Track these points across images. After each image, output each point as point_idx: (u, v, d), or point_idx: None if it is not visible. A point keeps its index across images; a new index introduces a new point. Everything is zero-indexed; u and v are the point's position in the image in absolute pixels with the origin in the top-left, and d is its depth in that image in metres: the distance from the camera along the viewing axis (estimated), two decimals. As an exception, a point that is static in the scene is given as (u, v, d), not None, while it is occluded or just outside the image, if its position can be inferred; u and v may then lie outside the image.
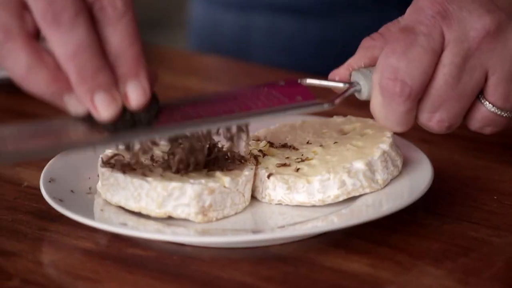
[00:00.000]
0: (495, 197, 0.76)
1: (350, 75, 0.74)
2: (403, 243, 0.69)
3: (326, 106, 0.72)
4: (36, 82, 0.65)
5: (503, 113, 0.73)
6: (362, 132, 0.77)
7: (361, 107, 0.94)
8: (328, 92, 0.75)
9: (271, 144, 0.76)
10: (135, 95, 0.66)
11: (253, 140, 0.77)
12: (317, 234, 0.69)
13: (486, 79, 0.72)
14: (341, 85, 0.74)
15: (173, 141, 0.71)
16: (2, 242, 0.69)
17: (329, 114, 0.82)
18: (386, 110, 0.72)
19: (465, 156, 0.84)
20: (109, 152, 0.73)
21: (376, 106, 0.72)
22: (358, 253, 0.68)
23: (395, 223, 0.71)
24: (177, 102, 0.71)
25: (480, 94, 0.73)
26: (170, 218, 0.70)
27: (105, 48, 0.65)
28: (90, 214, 0.69)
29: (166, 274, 0.66)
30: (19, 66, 0.64)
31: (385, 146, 0.74)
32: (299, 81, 0.74)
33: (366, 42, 0.75)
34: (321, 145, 0.75)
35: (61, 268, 0.67)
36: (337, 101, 0.72)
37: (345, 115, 0.80)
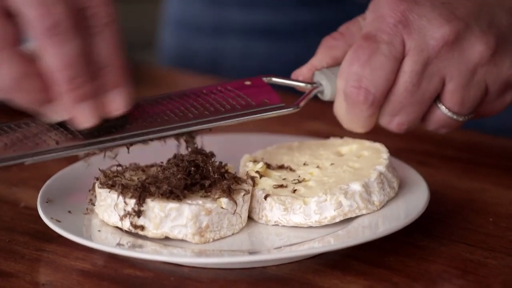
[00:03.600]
0: (491, 219, 0.76)
1: (313, 75, 0.77)
2: (400, 264, 0.69)
3: (291, 109, 0.75)
4: (24, 92, 0.64)
5: (458, 118, 0.76)
6: (359, 153, 0.77)
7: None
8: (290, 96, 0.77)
9: (268, 166, 0.76)
10: (117, 104, 0.67)
11: (250, 161, 0.77)
12: (314, 255, 0.70)
13: (443, 85, 0.75)
14: (304, 84, 0.77)
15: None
16: (-1, 263, 0.69)
17: (326, 136, 0.83)
18: (350, 115, 0.75)
19: (461, 178, 0.84)
20: (107, 172, 0.73)
21: (340, 110, 0.76)
22: (355, 274, 0.68)
23: (391, 244, 0.71)
24: (145, 100, 0.72)
25: (437, 98, 0.76)
26: (167, 238, 0.70)
27: (91, 55, 0.65)
28: (88, 235, 0.69)
29: (163, 295, 0.66)
30: (7, 77, 0.64)
31: (381, 167, 0.74)
32: (264, 79, 0.76)
33: (327, 42, 0.77)
34: (318, 167, 0.76)
35: (58, 288, 0.67)
36: (302, 103, 0.75)
37: (341, 137, 0.80)
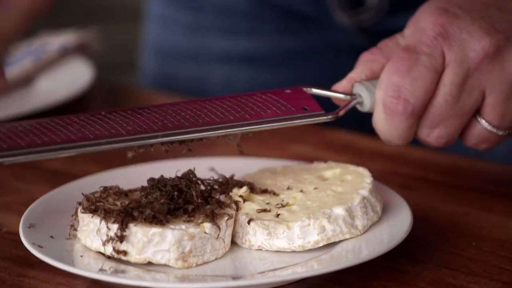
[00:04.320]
0: (474, 244, 0.76)
1: (352, 87, 0.77)
2: (383, 289, 0.69)
3: (330, 117, 0.75)
4: None
5: (498, 132, 0.76)
6: (342, 178, 0.77)
7: (341, 153, 0.95)
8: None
9: (251, 190, 0.76)
10: None
11: (234, 185, 0.77)
12: (297, 280, 0.69)
13: (483, 99, 0.75)
14: (343, 96, 0.76)
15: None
16: (-20, 289, 0.69)
17: (309, 159, 0.83)
18: (389, 126, 0.75)
19: (444, 202, 0.84)
20: (90, 196, 0.73)
21: (378, 122, 0.75)
22: (338, 300, 0.68)
23: (374, 269, 0.71)
24: (182, 107, 0.72)
25: (476, 112, 0.76)
26: (150, 264, 0.70)
27: None
28: (70, 260, 0.69)
29: (145, 320, 0.65)
30: None
31: (364, 192, 0.74)
32: (304, 89, 0.76)
33: (364, 56, 0.77)
34: (301, 191, 0.76)
35: (40, 315, 0.66)
36: (341, 112, 0.75)
37: (325, 161, 0.80)
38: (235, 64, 1.12)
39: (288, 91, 0.76)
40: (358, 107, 0.77)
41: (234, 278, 0.68)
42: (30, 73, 1.13)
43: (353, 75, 0.77)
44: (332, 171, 0.79)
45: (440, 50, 0.74)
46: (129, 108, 0.72)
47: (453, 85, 0.74)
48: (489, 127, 0.75)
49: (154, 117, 0.71)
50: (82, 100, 1.08)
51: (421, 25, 0.75)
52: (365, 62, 0.77)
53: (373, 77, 0.77)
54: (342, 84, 0.77)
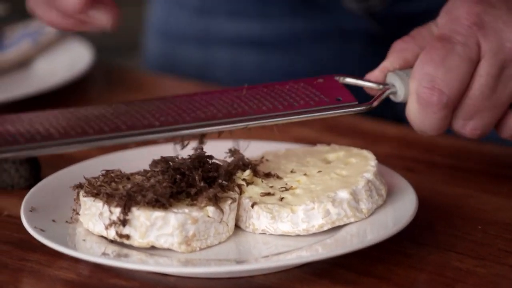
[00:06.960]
0: (479, 227, 0.75)
1: (385, 77, 0.76)
2: (388, 273, 0.69)
3: (364, 109, 0.74)
4: None
5: None
6: (346, 161, 0.77)
7: (344, 136, 0.94)
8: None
9: (254, 173, 0.76)
10: None
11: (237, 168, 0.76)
12: (301, 264, 0.69)
13: None
14: (376, 86, 0.76)
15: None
16: (-18, 273, 0.68)
17: (312, 142, 0.82)
18: (422, 117, 0.73)
19: (449, 185, 0.83)
20: (92, 180, 0.72)
21: (412, 112, 0.74)
22: (343, 283, 0.67)
23: (380, 253, 0.71)
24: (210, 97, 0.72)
25: None
26: (153, 248, 0.69)
27: None
28: (72, 244, 0.68)
29: (149, 305, 0.65)
30: None
31: (369, 175, 0.73)
32: (336, 78, 0.75)
33: (397, 45, 0.76)
34: (305, 174, 0.75)
35: (42, 299, 0.66)
36: (375, 103, 0.74)
37: (328, 144, 0.80)
38: (242, 48, 1.11)
39: (320, 80, 0.75)
40: (392, 97, 0.76)
41: (238, 262, 0.68)
42: (28, 55, 1.12)
43: (386, 64, 0.76)
44: (336, 154, 0.78)
45: (475, 39, 0.72)
46: (157, 97, 0.71)
47: (489, 76, 0.72)
48: None
49: (183, 108, 0.70)
50: (81, 83, 1.07)
51: (455, 14, 0.73)
52: (398, 51, 0.76)
53: (407, 66, 0.75)
54: (375, 74, 0.76)
